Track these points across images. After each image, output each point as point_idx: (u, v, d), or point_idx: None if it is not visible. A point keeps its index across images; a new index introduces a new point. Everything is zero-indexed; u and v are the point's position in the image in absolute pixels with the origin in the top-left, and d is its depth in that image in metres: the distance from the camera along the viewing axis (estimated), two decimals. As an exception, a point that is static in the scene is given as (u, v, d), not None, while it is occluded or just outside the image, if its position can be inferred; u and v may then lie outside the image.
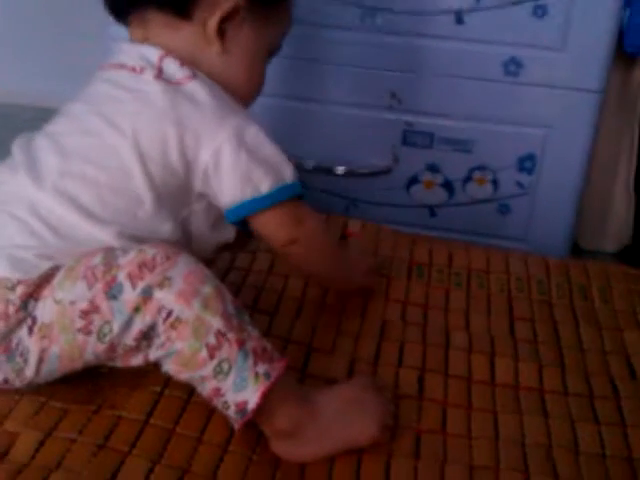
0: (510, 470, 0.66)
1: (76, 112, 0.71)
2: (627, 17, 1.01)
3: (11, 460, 0.61)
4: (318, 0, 1.01)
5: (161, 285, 0.61)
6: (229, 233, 0.75)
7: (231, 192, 0.69)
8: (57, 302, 0.63)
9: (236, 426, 0.64)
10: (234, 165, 0.68)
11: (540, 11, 0.99)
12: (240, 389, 0.62)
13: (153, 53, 0.70)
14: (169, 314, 0.61)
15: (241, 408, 0.62)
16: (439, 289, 0.89)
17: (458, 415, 0.71)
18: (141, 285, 0.61)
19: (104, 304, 0.61)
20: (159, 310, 0.61)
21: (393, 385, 0.73)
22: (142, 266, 0.61)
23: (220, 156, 0.67)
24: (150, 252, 0.62)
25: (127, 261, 0.62)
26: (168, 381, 0.69)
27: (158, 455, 0.63)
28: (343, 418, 0.66)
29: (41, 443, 0.63)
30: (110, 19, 0.75)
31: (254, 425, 0.65)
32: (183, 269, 0.62)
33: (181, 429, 0.66)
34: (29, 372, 0.64)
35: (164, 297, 0.61)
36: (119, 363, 0.66)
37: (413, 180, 1.10)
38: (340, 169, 1.09)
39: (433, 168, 1.09)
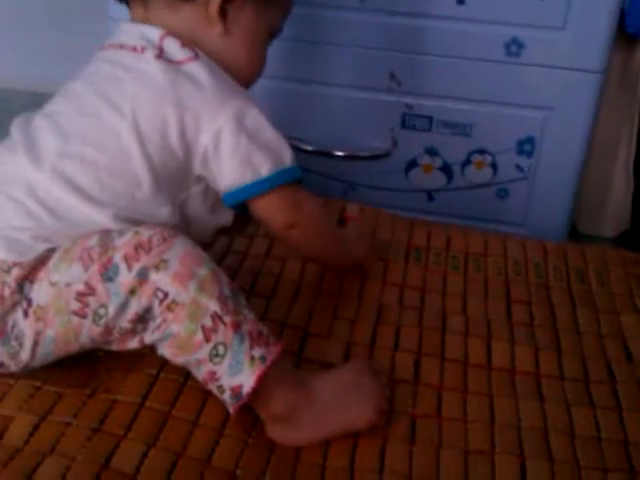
0: (505, 454, 0.66)
1: (76, 92, 0.71)
2: (629, -4, 1.00)
3: (5, 444, 0.61)
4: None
5: (157, 267, 0.61)
6: (227, 217, 0.74)
7: (231, 175, 0.68)
8: (53, 284, 0.63)
9: (231, 410, 0.63)
10: (234, 148, 0.67)
11: (540, -8, 0.98)
12: (236, 373, 0.62)
13: (154, 33, 0.69)
14: (165, 296, 0.61)
15: (236, 392, 0.62)
16: (437, 272, 0.88)
17: (454, 399, 0.71)
18: (137, 267, 0.61)
19: (100, 286, 0.61)
20: (155, 292, 0.61)
21: (389, 369, 0.73)
22: (138, 247, 0.61)
23: (220, 139, 0.67)
24: (146, 234, 0.62)
25: (123, 242, 0.62)
26: (164, 364, 0.69)
27: (153, 438, 0.63)
28: (339, 402, 0.66)
29: (35, 427, 0.63)
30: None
31: (250, 409, 0.65)
32: (179, 251, 0.62)
33: (177, 412, 0.66)
34: (24, 355, 0.64)
35: (160, 279, 0.61)
36: (115, 347, 0.66)
37: (412, 164, 1.09)
38: (339, 152, 1.09)
39: (432, 152, 1.08)
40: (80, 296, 0.62)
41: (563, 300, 0.85)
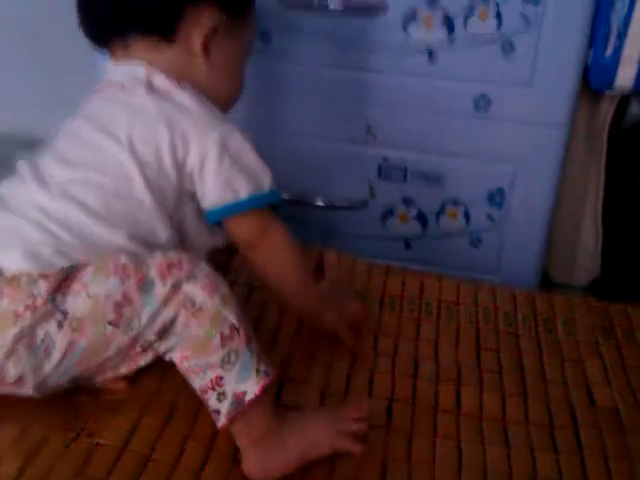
0: (472, 497, 0.69)
1: (76, 129, 0.76)
2: (592, 55, 1.06)
3: (-8, 486, 0.64)
4: (299, 39, 1.05)
5: (188, 279, 0.68)
6: (221, 235, 0.80)
7: (213, 195, 0.73)
8: (91, 296, 0.67)
9: (224, 420, 0.67)
10: (217, 170, 0.73)
11: (508, 47, 1.03)
12: (243, 380, 0.67)
13: (140, 70, 0.75)
14: (192, 304, 0.68)
15: (239, 398, 0.67)
16: (410, 319, 0.92)
17: (424, 443, 0.74)
18: (171, 280, 0.68)
19: (136, 297, 0.67)
20: (184, 301, 0.67)
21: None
22: (171, 266, 0.69)
23: (205, 161, 0.72)
24: (175, 256, 0.70)
25: (156, 262, 0.69)
26: (145, 409, 0.73)
27: (134, 480, 0.66)
28: (304, 430, 0.71)
29: (21, 470, 0.66)
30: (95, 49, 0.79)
31: (228, 455, 0.68)
32: (205, 270, 0.70)
33: (157, 455, 0.69)
34: (48, 367, 0.68)
35: (191, 289, 0.68)
36: (124, 369, 0.72)
37: (388, 213, 1.14)
38: (318, 202, 1.13)
39: (408, 201, 1.13)
40: (117, 307, 0.67)
41: (530, 348, 0.88)
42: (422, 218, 1.13)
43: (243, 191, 0.73)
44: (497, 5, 0.98)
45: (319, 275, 0.96)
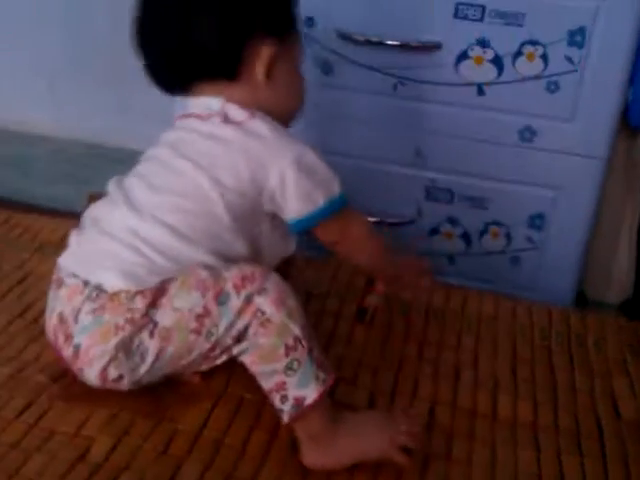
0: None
1: (160, 156, 0.85)
2: (631, 94, 1.13)
3: (88, 460, 0.75)
4: (357, 70, 1.14)
5: (259, 293, 0.76)
6: (292, 245, 0.90)
7: (295, 209, 0.82)
8: (176, 310, 0.77)
9: (286, 419, 0.76)
10: (297, 187, 0.81)
11: (553, 86, 1.11)
12: (303, 386, 0.75)
13: (216, 102, 0.83)
14: (262, 315, 0.75)
15: (299, 402, 0.75)
16: (452, 330, 1.01)
17: (462, 445, 0.83)
18: (244, 293, 0.76)
19: (214, 309, 0.76)
20: (256, 312, 0.75)
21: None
22: (244, 279, 0.76)
23: (285, 181, 0.81)
24: (249, 269, 0.78)
25: (231, 275, 0.77)
26: (217, 401, 0.83)
27: (209, 462, 0.76)
28: (361, 432, 0.79)
29: (113, 447, 0.76)
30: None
31: (289, 444, 0.78)
32: (275, 282, 0.77)
33: (228, 440, 0.79)
34: (143, 369, 0.78)
35: (262, 302, 0.76)
36: (204, 366, 0.81)
37: (434, 231, 1.23)
38: (369, 217, 1.22)
39: (453, 221, 1.21)
40: (198, 317, 0.76)
41: (562, 362, 0.97)
42: (466, 237, 1.22)
43: (321, 200, 0.82)
44: (544, 47, 1.06)
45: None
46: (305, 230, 0.85)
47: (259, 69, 0.84)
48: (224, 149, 0.82)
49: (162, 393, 0.83)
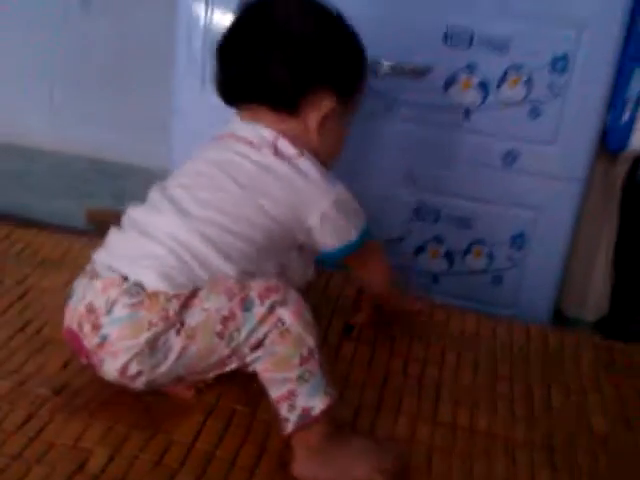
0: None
1: (204, 171, 0.90)
2: (609, 119, 1.18)
3: (86, 472, 0.78)
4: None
5: (281, 303, 0.81)
6: (311, 272, 0.98)
7: (330, 244, 0.92)
8: (205, 310, 0.81)
9: (290, 428, 0.80)
10: (334, 225, 0.90)
11: (535, 112, 1.16)
12: (312, 396, 0.80)
13: (269, 133, 0.89)
14: (282, 325, 0.80)
15: (306, 412, 0.80)
16: (436, 347, 1.05)
17: (442, 457, 0.87)
18: (268, 302, 0.80)
19: (239, 313, 0.81)
20: (277, 322, 0.80)
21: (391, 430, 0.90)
22: (269, 289, 0.81)
23: (324, 218, 0.89)
24: (272, 281, 0.83)
25: (257, 284, 0.82)
26: (209, 414, 0.87)
27: (201, 473, 0.80)
28: (348, 453, 0.82)
29: (110, 459, 0.80)
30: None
31: (278, 456, 0.82)
32: (295, 296, 0.83)
33: (220, 453, 0.83)
34: (163, 367, 0.82)
35: (283, 313, 0.80)
36: (212, 374, 0.85)
37: (420, 249, 1.27)
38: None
39: (438, 240, 1.26)
40: (224, 320, 0.81)
41: (539, 378, 1.01)
42: (449, 256, 1.26)
43: (354, 235, 0.92)
44: (529, 73, 1.12)
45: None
46: (335, 260, 0.94)
47: (314, 118, 0.90)
48: (272, 180, 0.87)
49: (156, 406, 0.87)
